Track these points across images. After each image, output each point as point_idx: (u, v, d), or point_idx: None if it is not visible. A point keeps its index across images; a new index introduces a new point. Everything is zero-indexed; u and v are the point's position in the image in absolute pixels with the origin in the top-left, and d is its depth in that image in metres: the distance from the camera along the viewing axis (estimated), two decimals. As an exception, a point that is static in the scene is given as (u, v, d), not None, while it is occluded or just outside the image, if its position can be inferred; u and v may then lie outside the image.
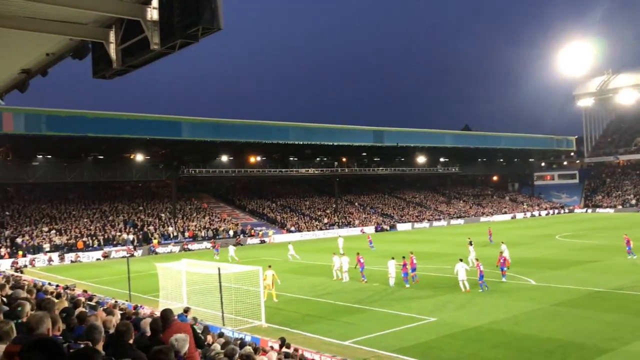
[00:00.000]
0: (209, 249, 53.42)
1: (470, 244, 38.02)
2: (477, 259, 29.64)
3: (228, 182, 79.93)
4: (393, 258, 29.39)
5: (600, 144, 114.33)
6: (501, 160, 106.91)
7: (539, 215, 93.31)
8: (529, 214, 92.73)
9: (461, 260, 27.37)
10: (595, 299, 23.59)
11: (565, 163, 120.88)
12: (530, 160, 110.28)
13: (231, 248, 46.09)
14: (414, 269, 29.32)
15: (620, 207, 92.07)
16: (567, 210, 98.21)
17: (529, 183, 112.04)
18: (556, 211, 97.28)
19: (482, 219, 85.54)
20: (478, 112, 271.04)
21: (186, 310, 17.32)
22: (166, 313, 7.67)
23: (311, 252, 46.97)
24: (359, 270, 30.78)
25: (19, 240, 49.35)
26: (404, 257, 29.22)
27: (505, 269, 28.94)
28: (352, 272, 31.19)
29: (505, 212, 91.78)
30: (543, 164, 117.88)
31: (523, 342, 17.61)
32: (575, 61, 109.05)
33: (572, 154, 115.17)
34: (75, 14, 13.76)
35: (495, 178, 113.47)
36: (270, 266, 26.34)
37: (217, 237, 59.82)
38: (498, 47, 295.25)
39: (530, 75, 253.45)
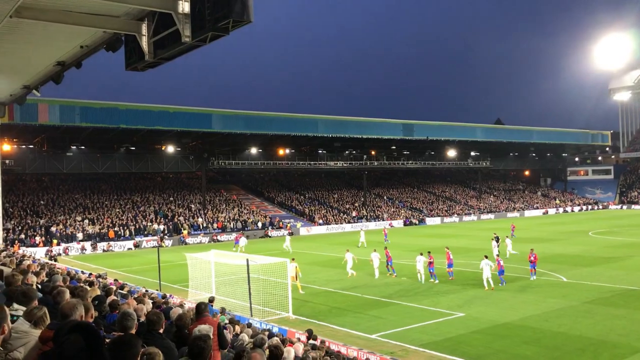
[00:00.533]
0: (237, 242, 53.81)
1: (497, 240, 37.71)
2: (497, 255, 29.25)
3: (257, 174, 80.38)
4: (421, 254, 28.91)
5: (637, 139, 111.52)
6: (533, 154, 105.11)
7: (572, 211, 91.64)
8: (561, 210, 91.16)
9: (486, 257, 26.99)
10: (630, 297, 23.10)
11: (600, 158, 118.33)
12: (564, 155, 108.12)
13: (287, 238, 46.95)
14: (450, 265, 28.86)
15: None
16: (601, 207, 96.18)
17: (562, 178, 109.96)
18: (590, 207, 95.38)
19: (513, 214, 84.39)
20: (510, 105, 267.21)
21: (211, 300, 17.55)
22: (200, 307, 7.80)
23: (338, 245, 46.99)
24: (388, 264, 30.63)
25: (53, 229, 50.50)
26: (429, 252, 28.99)
27: (534, 266, 28.04)
28: (380, 266, 31.02)
29: (537, 208, 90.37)
30: (577, 159, 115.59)
31: (553, 339, 17.36)
32: (611, 54, 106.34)
33: (607, 149, 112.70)
34: (108, 7, 13.97)
35: (527, 173, 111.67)
36: (293, 259, 26.40)
37: (246, 228, 60.28)
38: (531, 40, 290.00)
39: (564, 69, 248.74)
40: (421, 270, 28.09)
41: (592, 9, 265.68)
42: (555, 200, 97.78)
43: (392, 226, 70.19)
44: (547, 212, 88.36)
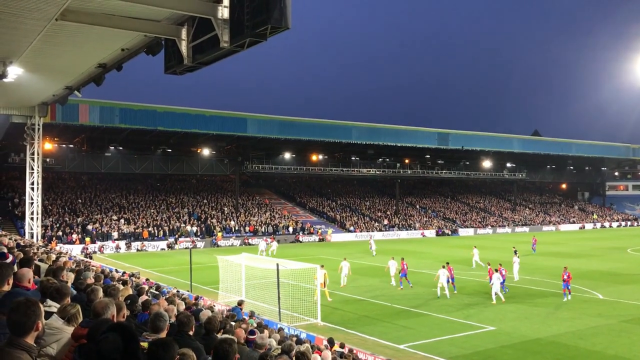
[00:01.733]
0: (269, 243, 54.07)
1: (515, 253, 37.04)
2: (500, 264, 27.90)
3: (290, 179, 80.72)
4: (444, 267, 28.07)
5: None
6: (571, 167, 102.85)
7: (610, 226, 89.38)
8: (598, 225, 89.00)
9: (496, 271, 26.42)
10: (669, 318, 22.35)
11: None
12: (603, 169, 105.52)
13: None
14: (503, 281, 26.79)
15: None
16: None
17: (600, 192, 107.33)
18: (629, 223, 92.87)
19: (547, 227, 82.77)
20: (549, 117, 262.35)
21: (240, 303, 17.63)
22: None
23: (369, 252, 46.76)
24: (400, 276, 29.77)
25: (89, 227, 51.58)
26: (448, 263, 28.70)
27: (568, 286, 26.12)
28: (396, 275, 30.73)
29: (574, 222, 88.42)
30: (617, 174, 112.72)
31: (587, 358, 16.91)
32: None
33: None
34: (150, 11, 14.25)
35: (564, 186, 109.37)
36: (322, 265, 26.19)
37: (277, 233, 60.54)
38: (571, 50, 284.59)
39: (606, 81, 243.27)
40: (444, 283, 26.98)
41: (633, 20, 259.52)
42: (593, 214, 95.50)
43: (424, 236, 69.62)
44: (584, 227, 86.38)
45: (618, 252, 48.10)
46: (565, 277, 26.08)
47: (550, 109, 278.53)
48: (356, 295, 27.45)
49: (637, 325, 20.97)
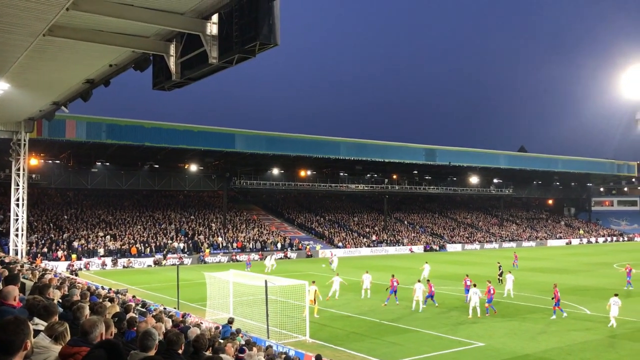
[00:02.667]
0: (256, 260, 53.84)
1: (500, 268, 38.46)
2: (489, 281, 27.94)
3: (278, 195, 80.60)
4: (419, 281, 29.08)
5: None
6: (557, 183, 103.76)
7: (596, 242, 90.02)
8: (585, 240, 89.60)
9: (475, 285, 26.68)
10: (655, 332, 22.47)
11: (625, 189, 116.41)
12: (589, 184, 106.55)
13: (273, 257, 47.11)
14: (490, 300, 26.26)
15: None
16: (626, 239, 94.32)
17: (586, 208, 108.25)
18: (614, 239, 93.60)
19: (534, 243, 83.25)
20: (535, 134, 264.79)
21: (230, 322, 17.48)
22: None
23: (358, 269, 46.60)
24: (390, 292, 29.64)
25: (75, 243, 51.04)
26: (429, 281, 29.58)
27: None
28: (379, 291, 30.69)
29: (560, 237, 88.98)
30: (602, 189, 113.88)
31: (576, 373, 16.90)
32: (638, 83, 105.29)
33: (633, 180, 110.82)
34: (139, 27, 14.24)
35: (550, 202, 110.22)
36: (313, 282, 26.22)
37: (265, 249, 60.29)
38: (557, 68, 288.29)
39: (590, 98, 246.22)
40: (420, 297, 27.46)
41: (618, 38, 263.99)
42: (579, 230, 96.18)
43: (412, 251, 69.64)
44: (570, 242, 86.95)
45: (605, 268, 48.38)
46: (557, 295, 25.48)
47: (536, 125, 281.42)
48: (344, 312, 27.33)
49: (624, 340, 21.04)
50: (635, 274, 36.49)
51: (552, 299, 25.90)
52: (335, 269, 44.34)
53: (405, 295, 30.23)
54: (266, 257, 49.39)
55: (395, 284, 29.69)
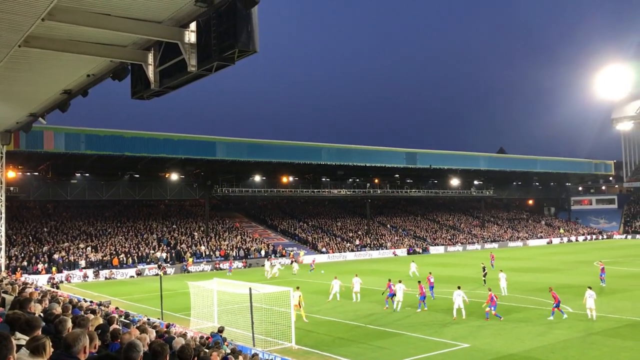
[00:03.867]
0: (240, 268, 53.62)
1: (484, 269, 38.68)
2: (490, 289, 27.31)
3: (261, 202, 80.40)
4: (400, 281, 29.51)
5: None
6: (537, 184, 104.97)
7: (576, 240, 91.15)
8: (565, 239, 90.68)
9: (459, 287, 26.78)
10: (636, 328, 22.81)
11: (603, 188, 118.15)
12: (567, 184, 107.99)
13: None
14: (494, 307, 25.40)
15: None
16: (605, 236, 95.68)
17: (566, 207, 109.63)
18: (594, 237, 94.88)
19: (515, 243, 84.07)
20: (514, 135, 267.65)
21: (220, 330, 17.38)
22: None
23: (344, 273, 46.61)
24: (387, 295, 29.82)
25: (56, 256, 50.37)
26: (419, 282, 29.69)
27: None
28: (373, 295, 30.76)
29: (541, 237, 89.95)
30: (580, 189, 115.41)
31: (560, 371, 17.07)
32: (613, 84, 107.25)
33: (610, 178, 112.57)
34: (116, 37, 14.15)
35: (530, 202, 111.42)
36: (297, 287, 26.25)
37: (249, 256, 60.05)
38: (533, 69, 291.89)
39: (567, 98, 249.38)
40: (400, 297, 28.30)
41: (593, 40, 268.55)
42: (560, 229, 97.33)
43: (395, 255, 69.87)
44: (551, 242, 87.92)
45: (585, 266, 48.99)
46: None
47: (514, 127, 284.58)
48: (330, 317, 27.31)
49: (606, 337, 21.32)
50: (613, 271, 37.01)
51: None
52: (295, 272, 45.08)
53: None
54: (273, 263, 49.93)
55: (392, 287, 29.57)
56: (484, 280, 37.36)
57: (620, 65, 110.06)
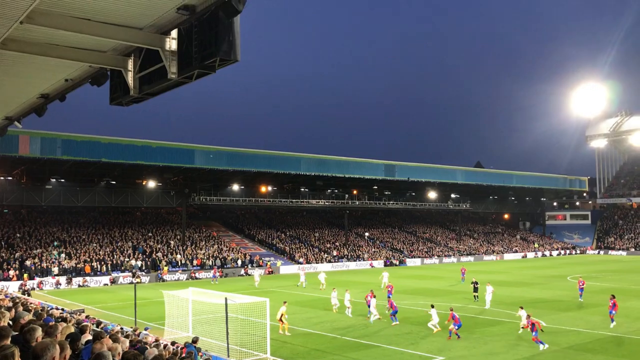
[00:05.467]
0: (216, 277, 53.17)
1: (476, 284, 37.04)
2: (529, 315, 24.43)
3: (238, 211, 80.00)
4: (334, 289, 30.46)
5: (613, 186, 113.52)
6: (513, 198, 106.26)
7: (550, 255, 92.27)
8: (540, 254, 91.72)
9: (432, 306, 26.40)
10: (608, 343, 23.09)
11: (577, 203, 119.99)
12: (542, 199, 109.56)
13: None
14: (459, 325, 24.33)
15: (633, 249, 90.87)
16: (578, 251, 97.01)
17: (541, 222, 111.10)
18: (568, 252, 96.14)
19: (491, 257, 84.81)
20: (491, 150, 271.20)
21: (194, 341, 17.18)
22: None
23: (317, 283, 46.53)
24: (368, 307, 29.90)
25: (28, 262, 49.43)
26: (389, 297, 30.26)
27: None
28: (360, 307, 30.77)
29: (516, 251, 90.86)
30: (555, 204, 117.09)
31: (533, 385, 17.18)
32: (588, 102, 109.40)
33: (584, 194, 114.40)
34: (96, 42, 14.00)
35: (506, 216, 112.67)
36: (285, 302, 26.48)
37: (225, 266, 59.60)
38: (511, 86, 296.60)
39: (543, 115, 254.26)
40: (337, 304, 29.43)
41: (569, 59, 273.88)
42: (534, 244, 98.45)
43: (372, 266, 69.94)
44: (525, 256, 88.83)
45: (559, 280, 49.59)
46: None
47: (491, 141, 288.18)
48: (305, 328, 27.19)
49: (578, 352, 21.55)
50: (586, 286, 37.43)
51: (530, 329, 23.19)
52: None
53: (362, 310, 30.30)
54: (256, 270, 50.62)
55: (369, 298, 29.36)
56: (475, 296, 36.23)
57: (595, 84, 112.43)
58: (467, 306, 32.86)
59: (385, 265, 71.28)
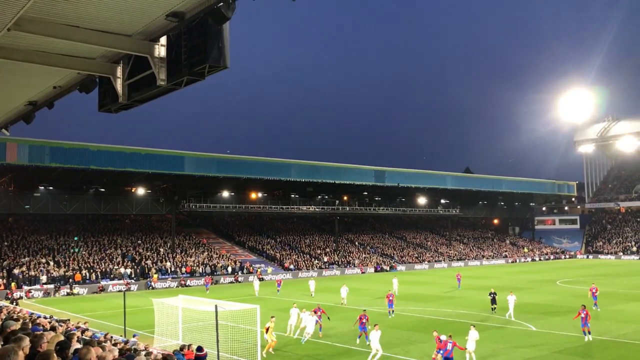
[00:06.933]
0: (208, 286, 52.87)
1: (495, 294, 33.84)
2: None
3: (228, 218, 79.76)
4: (294, 305, 27.70)
5: (601, 190, 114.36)
6: (502, 203, 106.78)
7: (540, 259, 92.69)
8: (529, 259, 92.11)
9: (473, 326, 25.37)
10: (597, 347, 23.22)
11: (566, 208, 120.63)
12: (532, 204, 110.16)
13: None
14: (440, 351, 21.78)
15: (621, 253, 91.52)
16: (567, 256, 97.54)
17: (530, 227, 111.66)
18: (557, 256, 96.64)
19: (480, 262, 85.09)
20: (480, 155, 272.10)
21: (182, 348, 17.06)
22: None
23: (307, 290, 46.41)
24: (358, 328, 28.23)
25: (15, 271, 48.96)
26: (364, 311, 28.18)
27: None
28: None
29: (506, 256, 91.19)
30: (544, 209, 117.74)
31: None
32: (576, 107, 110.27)
33: (573, 199, 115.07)
34: (84, 48, 13.95)
35: (496, 221, 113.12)
36: (273, 317, 24.77)
37: (215, 273, 59.36)
38: (499, 92, 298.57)
39: (532, 120, 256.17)
40: (310, 329, 25.60)
41: (557, 64, 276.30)
42: (524, 248, 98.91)
43: (363, 272, 69.89)
44: (515, 261, 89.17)
45: (548, 285, 49.82)
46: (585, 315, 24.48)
47: (480, 147, 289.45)
48: (297, 335, 27.07)
49: (568, 356, 21.64)
50: (575, 290, 37.58)
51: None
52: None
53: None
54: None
55: (363, 321, 25.42)
56: (493, 308, 33.23)
57: (583, 89, 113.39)
58: (457, 311, 32.81)
59: (376, 271, 71.29)
